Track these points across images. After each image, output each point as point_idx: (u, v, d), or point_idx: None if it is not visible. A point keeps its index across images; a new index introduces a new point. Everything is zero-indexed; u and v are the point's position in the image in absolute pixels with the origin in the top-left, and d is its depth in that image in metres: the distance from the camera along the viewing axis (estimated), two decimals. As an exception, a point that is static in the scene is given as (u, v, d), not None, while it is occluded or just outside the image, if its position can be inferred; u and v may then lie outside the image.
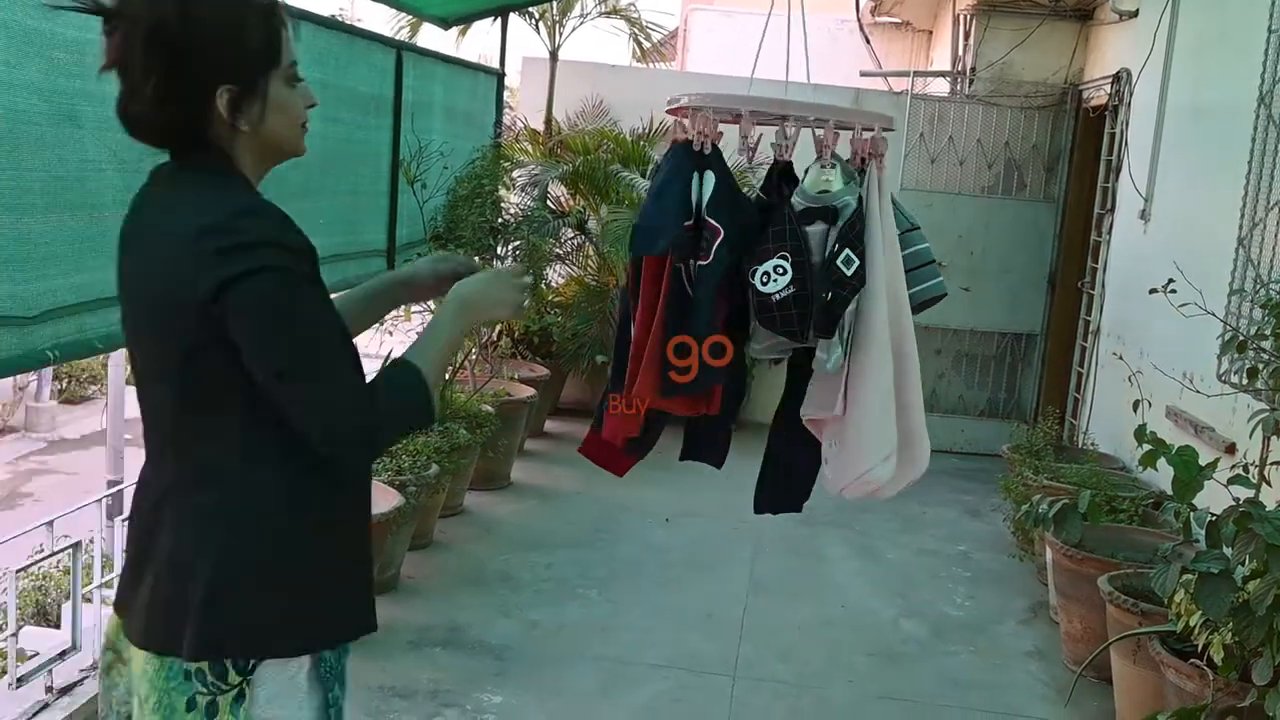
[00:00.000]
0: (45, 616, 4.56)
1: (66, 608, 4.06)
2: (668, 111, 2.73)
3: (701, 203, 2.49)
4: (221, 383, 1.83)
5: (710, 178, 2.51)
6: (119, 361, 8.85)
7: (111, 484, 7.69)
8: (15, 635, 3.79)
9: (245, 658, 1.86)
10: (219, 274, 1.73)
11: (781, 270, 2.41)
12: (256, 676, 1.87)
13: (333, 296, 1.95)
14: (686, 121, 2.60)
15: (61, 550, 4.05)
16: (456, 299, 2.07)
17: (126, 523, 2.07)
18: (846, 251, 2.50)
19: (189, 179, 1.87)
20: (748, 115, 2.55)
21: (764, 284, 2.39)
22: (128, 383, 9.97)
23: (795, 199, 2.47)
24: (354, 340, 2.11)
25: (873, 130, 2.59)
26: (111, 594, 4.20)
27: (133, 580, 1.95)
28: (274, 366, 1.78)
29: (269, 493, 1.88)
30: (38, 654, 3.97)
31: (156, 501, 1.93)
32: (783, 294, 2.40)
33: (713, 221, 2.47)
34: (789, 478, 2.92)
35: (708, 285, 2.49)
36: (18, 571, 3.88)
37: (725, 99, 2.58)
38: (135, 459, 8.60)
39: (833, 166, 2.49)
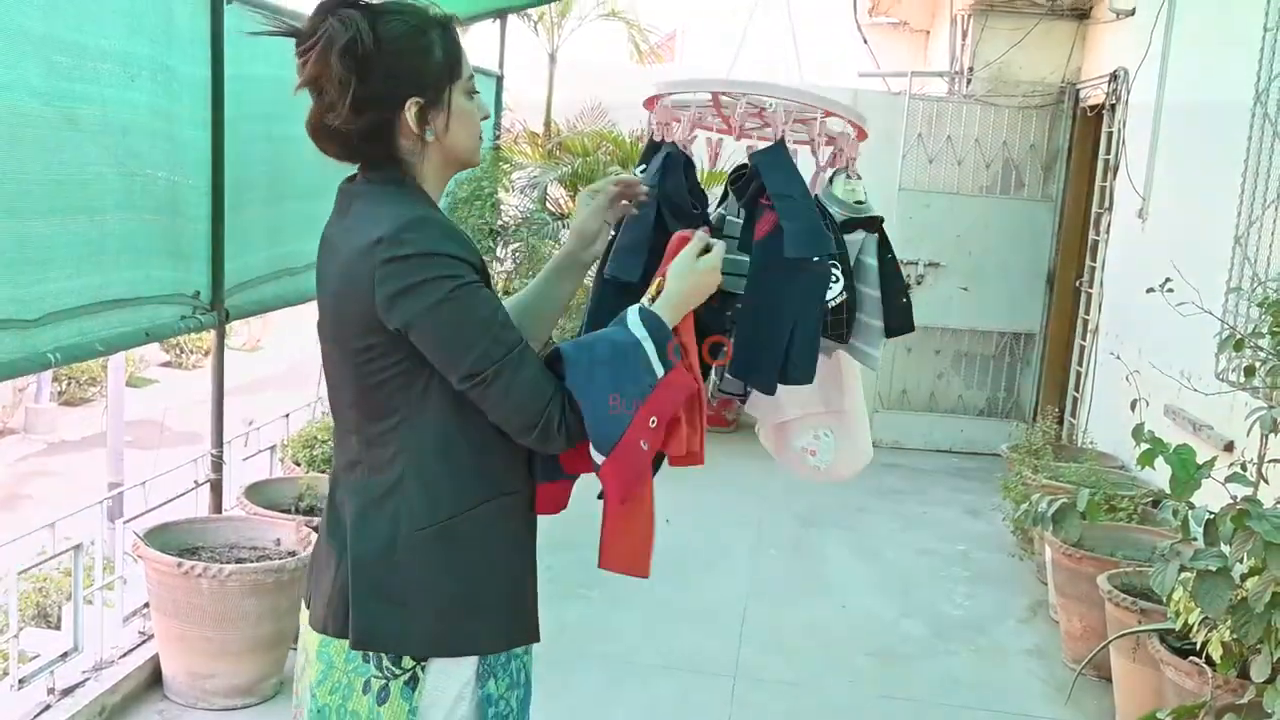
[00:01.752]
0: (46, 618, 4.56)
1: (68, 609, 4.07)
2: (645, 106, 2.69)
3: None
4: (393, 385, 1.92)
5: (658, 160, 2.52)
6: (119, 363, 8.86)
7: (112, 486, 7.69)
8: (17, 637, 3.79)
9: (399, 653, 1.94)
10: (389, 286, 1.84)
11: (834, 279, 2.43)
12: (430, 664, 1.95)
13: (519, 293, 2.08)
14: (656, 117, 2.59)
15: (63, 552, 4.06)
16: (673, 293, 2.07)
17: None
18: (890, 254, 2.54)
19: (371, 191, 1.98)
20: (698, 106, 2.52)
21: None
22: (127, 384, 9.99)
23: (833, 209, 2.48)
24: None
25: (843, 131, 2.55)
26: (113, 596, 4.22)
27: (323, 563, 2.05)
28: (457, 373, 1.87)
29: (437, 492, 1.95)
30: (39, 656, 3.97)
31: (338, 491, 2.04)
32: (837, 300, 2.44)
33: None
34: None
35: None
36: (19, 573, 3.89)
37: (691, 84, 2.55)
38: (135, 461, 8.58)
39: (859, 178, 2.51)
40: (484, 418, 1.92)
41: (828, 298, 2.42)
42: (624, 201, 2.38)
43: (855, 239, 2.49)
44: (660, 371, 1.98)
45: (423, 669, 1.95)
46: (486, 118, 2.10)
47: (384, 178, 1.99)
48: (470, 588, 1.98)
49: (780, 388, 2.45)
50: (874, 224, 2.48)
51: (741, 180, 2.53)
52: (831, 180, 2.51)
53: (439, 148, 2.00)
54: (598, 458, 1.97)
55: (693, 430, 2.09)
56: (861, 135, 2.54)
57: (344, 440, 2.04)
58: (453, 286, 1.84)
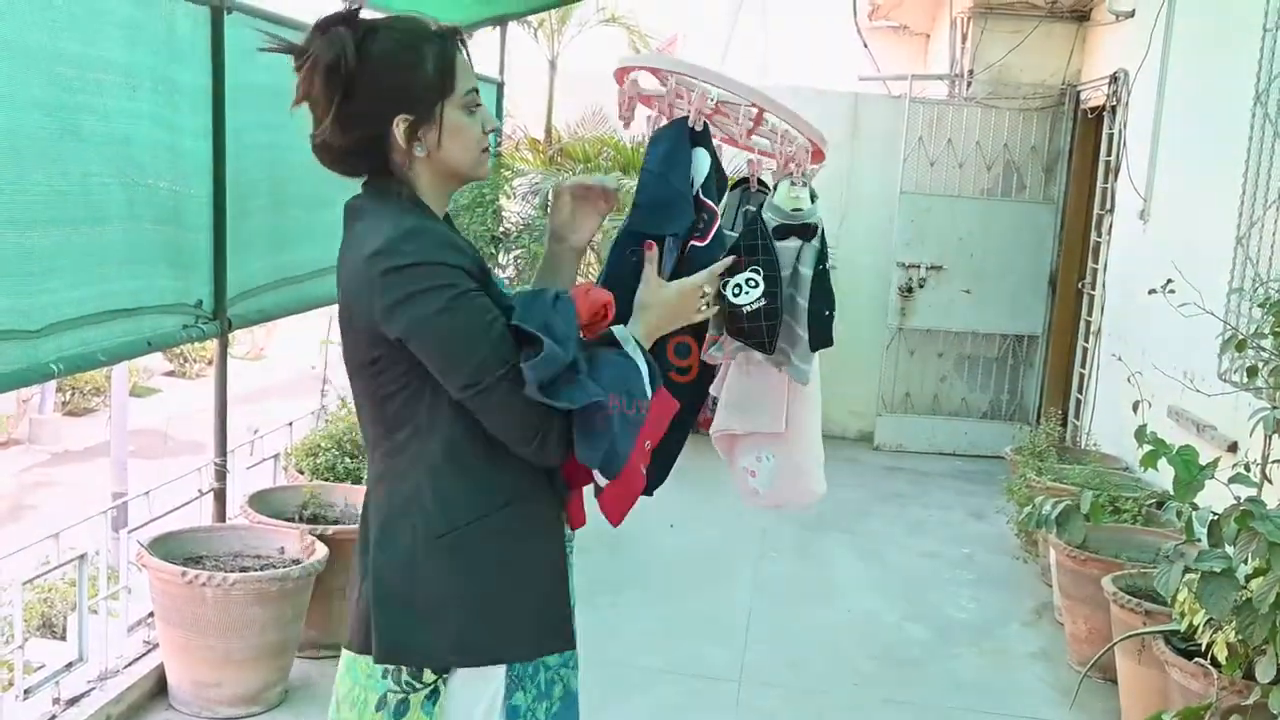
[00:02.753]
0: (51, 628, 4.57)
1: (73, 620, 4.07)
2: (615, 77, 2.63)
3: (695, 181, 2.45)
4: (403, 396, 1.95)
5: (704, 156, 2.45)
6: (122, 373, 8.87)
7: (116, 496, 7.70)
8: (22, 647, 3.80)
9: (422, 668, 1.95)
10: (387, 296, 1.86)
11: (754, 283, 2.38)
12: (454, 676, 1.96)
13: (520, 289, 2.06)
14: (637, 80, 2.55)
15: (67, 562, 4.06)
16: (641, 318, 2.11)
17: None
18: (823, 266, 2.50)
19: (370, 207, 2.00)
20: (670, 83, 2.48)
21: (735, 295, 2.36)
22: (131, 394, 10.00)
23: (767, 214, 2.45)
24: None
25: (792, 147, 2.51)
26: (117, 605, 4.22)
27: (354, 582, 2.06)
28: (455, 383, 1.89)
29: (452, 501, 1.96)
30: (45, 666, 3.98)
31: (367, 506, 2.06)
32: (753, 306, 2.37)
33: (710, 202, 2.42)
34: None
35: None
36: (24, 584, 3.89)
37: (646, 58, 2.53)
38: (139, 470, 8.59)
39: (804, 185, 2.47)
40: None
41: (740, 302, 2.37)
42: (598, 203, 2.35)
43: (790, 246, 2.45)
44: (650, 394, 2.00)
45: (444, 682, 1.95)
46: (493, 130, 2.09)
47: (381, 192, 2.00)
48: (492, 595, 1.97)
49: (729, 397, 2.46)
50: (808, 231, 2.44)
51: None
52: (776, 186, 2.48)
53: (432, 163, 2.00)
54: (601, 481, 1.96)
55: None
56: (818, 156, 2.49)
57: (370, 456, 2.05)
58: (450, 296, 1.86)
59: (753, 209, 2.54)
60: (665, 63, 2.49)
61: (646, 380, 2.00)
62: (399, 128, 1.95)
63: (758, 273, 2.37)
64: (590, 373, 1.93)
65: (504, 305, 1.94)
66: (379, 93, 1.93)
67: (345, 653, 2.03)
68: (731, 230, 2.49)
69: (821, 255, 2.49)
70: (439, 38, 1.99)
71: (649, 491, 2.31)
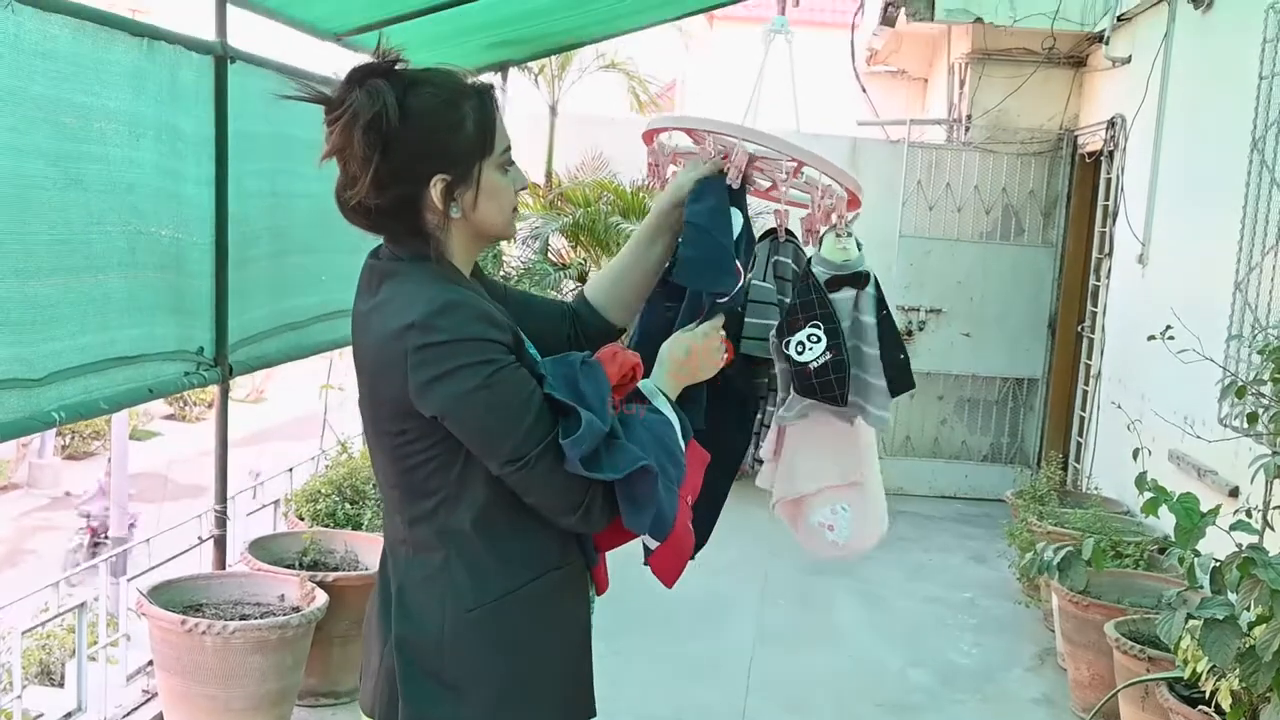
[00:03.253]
0: (50, 676, 4.55)
1: (71, 668, 4.06)
2: (643, 138, 2.65)
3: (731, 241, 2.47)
4: (430, 467, 1.88)
5: (737, 215, 2.47)
6: (122, 417, 8.86)
7: (116, 541, 7.68)
8: (20, 696, 3.78)
9: None
10: (423, 373, 1.79)
11: (815, 339, 2.39)
12: None
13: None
14: (667, 143, 2.58)
15: (66, 610, 4.05)
16: (664, 367, 2.08)
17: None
18: (886, 311, 2.52)
19: (399, 269, 1.92)
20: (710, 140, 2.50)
21: (799, 354, 2.37)
22: (130, 437, 9.98)
23: (817, 269, 2.47)
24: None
25: (831, 199, 2.53)
26: (116, 653, 4.21)
27: (372, 644, 2.01)
28: (496, 460, 1.83)
29: (484, 573, 1.90)
30: (43, 715, 3.96)
31: (387, 568, 1.99)
32: (819, 361, 2.39)
33: (737, 262, 2.43)
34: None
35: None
36: (23, 632, 3.88)
37: (682, 119, 2.53)
38: (138, 515, 8.53)
39: (849, 235, 2.50)
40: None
41: (805, 359, 2.39)
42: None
43: (845, 297, 2.47)
44: (684, 448, 1.97)
45: None
46: (524, 189, 2.04)
47: (411, 254, 1.92)
48: (525, 669, 1.93)
49: (795, 460, 2.45)
50: (859, 280, 2.46)
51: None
52: (821, 240, 2.50)
53: (466, 224, 1.94)
54: (650, 544, 1.94)
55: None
56: (854, 204, 2.50)
57: (390, 519, 1.99)
58: (488, 373, 1.79)
59: (784, 259, 2.57)
60: (701, 122, 2.48)
61: (679, 434, 1.97)
62: (435, 188, 1.88)
63: (818, 328, 2.38)
64: (628, 436, 1.89)
65: (536, 373, 1.88)
66: (420, 152, 1.86)
67: (365, 717, 1.99)
68: (764, 280, 2.51)
69: (880, 301, 2.51)
70: (477, 94, 1.93)
71: (695, 549, 2.25)
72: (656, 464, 1.87)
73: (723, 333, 2.17)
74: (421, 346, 1.79)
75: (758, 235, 2.59)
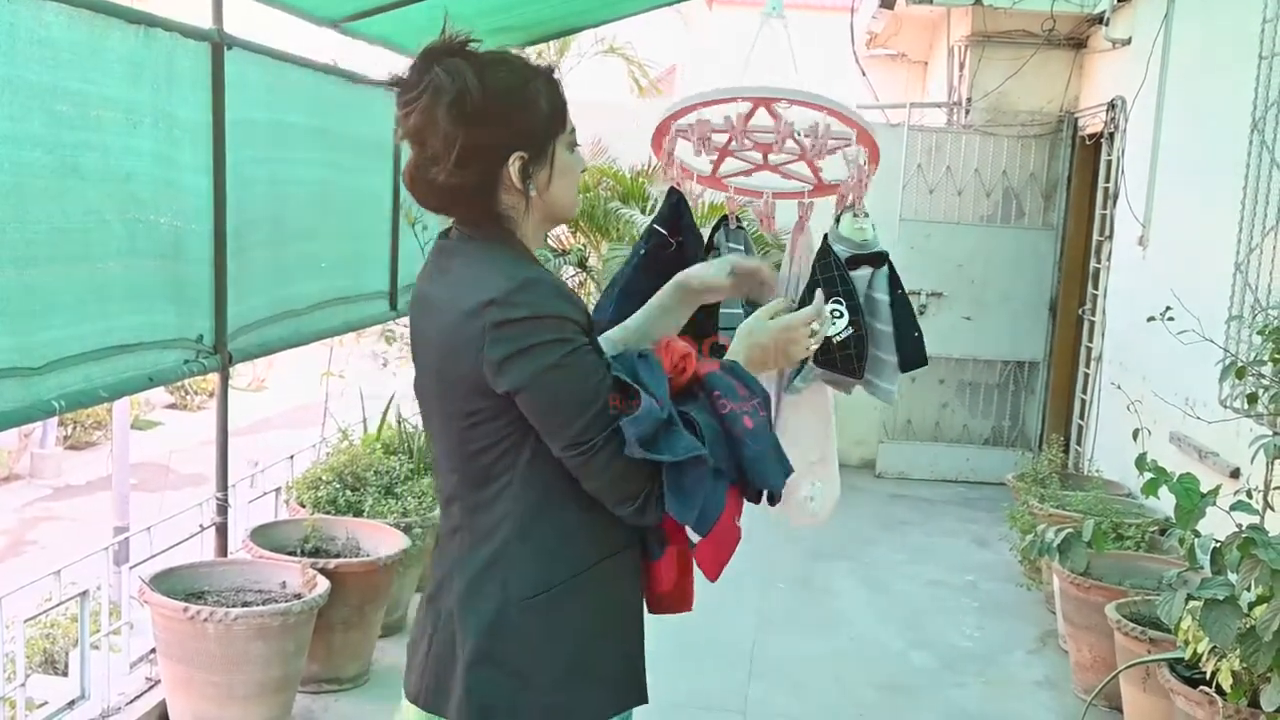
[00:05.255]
0: (53, 665, 4.55)
1: (75, 656, 4.06)
2: (660, 128, 2.67)
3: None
4: (499, 449, 1.88)
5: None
6: (123, 406, 8.86)
7: (118, 530, 7.68)
8: (24, 685, 3.79)
9: None
10: (500, 349, 1.79)
11: (838, 313, 2.43)
12: None
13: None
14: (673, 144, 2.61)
15: (69, 599, 4.05)
16: (744, 351, 2.06)
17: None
18: (901, 291, 2.56)
19: (473, 249, 1.93)
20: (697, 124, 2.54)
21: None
22: (132, 427, 9.99)
23: (837, 247, 2.50)
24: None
25: (855, 159, 2.56)
26: (119, 641, 4.22)
27: (420, 631, 2.01)
28: (560, 440, 1.83)
29: (547, 558, 1.90)
30: (47, 703, 3.97)
31: (441, 558, 1.99)
32: (842, 335, 2.43)
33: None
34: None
35: None
36: (26, 621, 3.88)
37: (718, 92, 2.53)
38: (141, 504, 8.57)
39: (865, 215, 2.52)
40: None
41: (829, 333, 2.42)
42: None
43: (863, 274, 2.51)
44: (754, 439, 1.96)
45: None
46: (585, 170, 2.06)
47: (485, 234, 1.94)
48: (586, 653, 1.93)
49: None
50: (879, 259, 2.50)
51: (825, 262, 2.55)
52: (839, 219, 2.53)
53: (540, 203, 1.95)
54: (694, 537, 1.93)
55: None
56: (873, 153, 2.54)
57: (446, 507, 1.99)
58: (564, 352, 1.80)
59: (735, 245, 2.62)
60: (736, 91, 2.51)
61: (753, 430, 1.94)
62: (513, 165, 1.89)
63: (840, 303, 2.43)
64: (703, 428, 1.88)
65: (604, 358, 1.90)
66: (500, 129, 1.87)
67: (411, 707, 1.98)
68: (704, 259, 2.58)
69: (894, 280, 2.54)
70: (545, 74, 1.95)
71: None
72: (712, 457, 1.87)
73: (815, 325, 2.12)
74: (500, 323, 1.79)
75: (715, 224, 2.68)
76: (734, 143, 2.65)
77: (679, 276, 2.30)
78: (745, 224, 2.80)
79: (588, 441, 1.81)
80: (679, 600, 2.16)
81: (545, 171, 1.93)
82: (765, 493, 2.00)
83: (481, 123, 1.85)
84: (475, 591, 1.91)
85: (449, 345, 1.87)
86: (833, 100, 2.47)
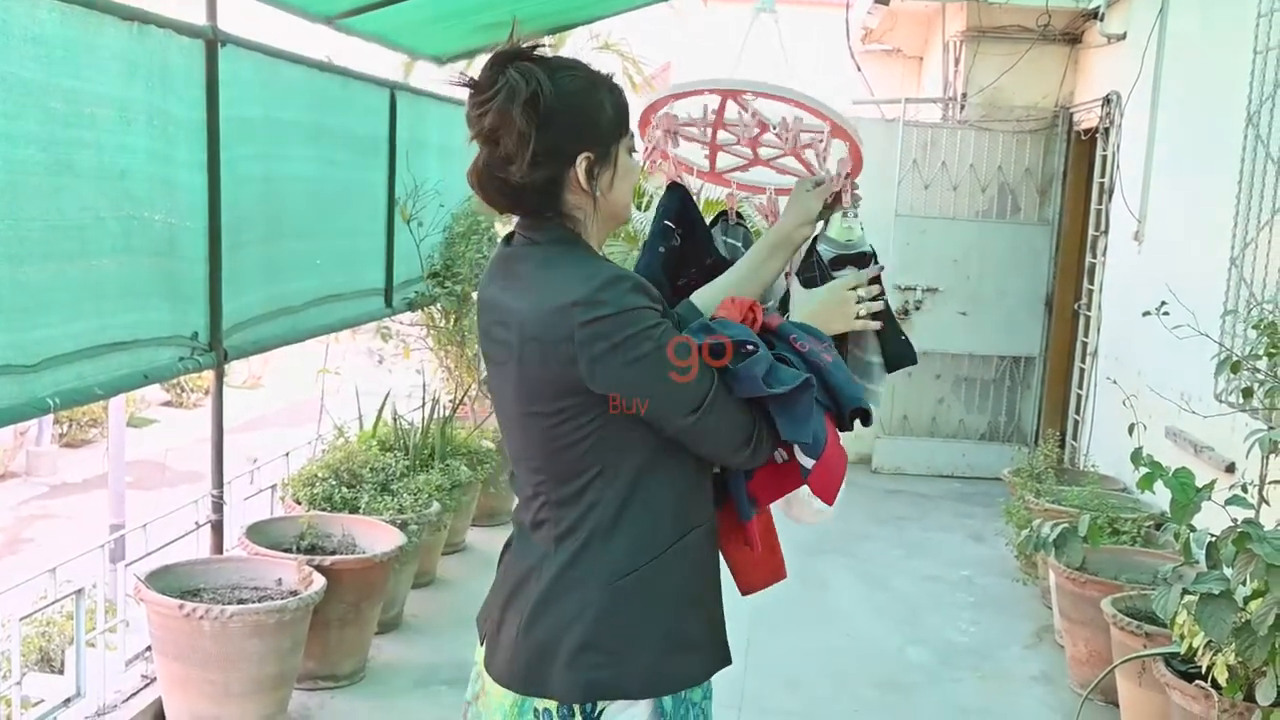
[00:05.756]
0: (49, 663, 4.55)
1: (70, 654, 4.06)
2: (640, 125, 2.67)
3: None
4: (588, 443, 1.94)
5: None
6: (119, 404, 8.86)
7: (114, 528, 7.68)
8: (19, 683, 3.78)
9: (612, 699, 1.97)
10: (594, 347, 1.86)
11: None
12: (601, 713, 1.97)
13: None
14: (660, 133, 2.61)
15: (65, 597, 4.05)
16: (802, 316, 2.21)
17: (502, 553, 2.20)
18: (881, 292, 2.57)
19: (540, 254, 2.00)
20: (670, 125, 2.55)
21: None
22: (128, 424, 9.98)
23: (821, 247, 2.50)
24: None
25: (844, 156, 2.56)
26: (115, 639, 4.21)
27: (499, 617, 2.08)
28: (678, 415, 1.92)
29: (635, 540, 1.98)
30: (43, 701, 3.96)
31: (524, 543, 2.07)
32: None
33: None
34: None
35: None
36: (21, 619, 3.88)
37: (698, 82, 2.55)
38: (136, 502, 8.56)
39: (855, 216, 2.52)
40: (677, 459, 1.98)
41: None
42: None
43: (845, 275, 2.49)
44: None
45: (599, 713, 1.97)
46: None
47: (550, 238, 2.00)
48: (678, 624, 2.03)
49: None
50: (862, 260, 2.48)
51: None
52: (828, 219, 2.52)
53: (603, 204, 2.01)
54: (807, 464, 2.04)
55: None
56: (853, 149, 2.53)
57: (525, 501, 2.06)
58: (658, 335, 1.88)
59: (733, 241, 2.61)
60: (699, 84, 2.52)
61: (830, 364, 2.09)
62: (580, 166, 1.96)
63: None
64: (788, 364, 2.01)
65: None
66: (572, 130, 1.94)
67: (495, 686, 2.03)
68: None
69: (875, 279, 2.54)
70: (609, 81, 2.03)
71: None
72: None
73: (861, 291, 2.29)
74: (589, 321, 1.86)
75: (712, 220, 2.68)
76: (717, 137, 2.65)
77: (775, 235, 2.40)
78: (745, 219, 2.79)
79: (701, 405, 1.91)
80: (771, 571, 2.43)
81: (609, 173, 2.01)
82: (854, 418, 2.12)
83: (553, 123, 1.91)
84: (564, 582, 1.98)
85: (532, 349, 1.92)
86: (802, 93, 2.47)
